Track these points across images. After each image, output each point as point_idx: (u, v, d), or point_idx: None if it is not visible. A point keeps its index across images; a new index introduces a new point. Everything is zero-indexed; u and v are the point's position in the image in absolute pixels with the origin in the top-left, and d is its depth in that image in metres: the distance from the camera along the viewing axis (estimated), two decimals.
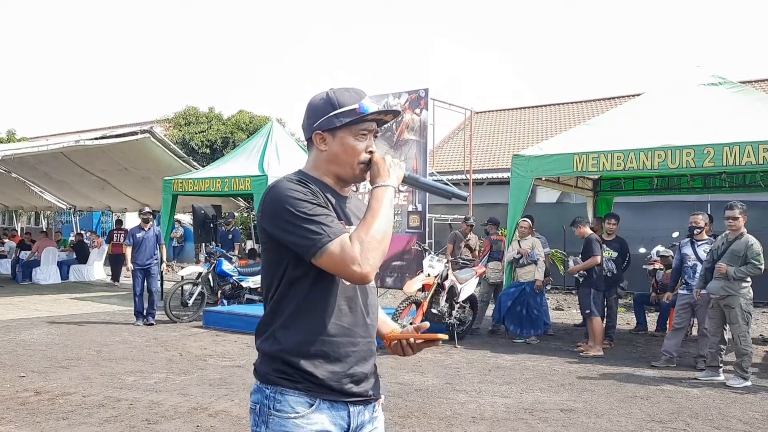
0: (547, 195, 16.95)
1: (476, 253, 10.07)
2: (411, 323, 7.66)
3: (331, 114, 1.80)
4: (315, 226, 1.65)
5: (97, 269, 16.96)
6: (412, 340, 1.86)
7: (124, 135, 12.53)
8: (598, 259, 7.94)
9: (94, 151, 13.72)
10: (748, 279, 6.23)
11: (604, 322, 8.44)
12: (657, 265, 10.11)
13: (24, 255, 16.18)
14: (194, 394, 5.51)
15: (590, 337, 7.93)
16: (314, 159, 1.85)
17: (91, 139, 12.48)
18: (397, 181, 1.83)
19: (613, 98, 22.35)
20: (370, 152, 1.84)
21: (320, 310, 1.73)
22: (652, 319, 10.01)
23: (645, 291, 10.15)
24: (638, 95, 16.10)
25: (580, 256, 8.19)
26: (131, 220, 27.15)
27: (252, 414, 1.76)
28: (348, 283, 1.75)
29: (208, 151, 22.91)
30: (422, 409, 5.23)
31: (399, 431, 4.64)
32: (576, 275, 8.13)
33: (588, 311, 7.88)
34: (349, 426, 1.76)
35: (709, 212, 10.03)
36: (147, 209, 10.35)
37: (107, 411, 5.00)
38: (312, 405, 1.70)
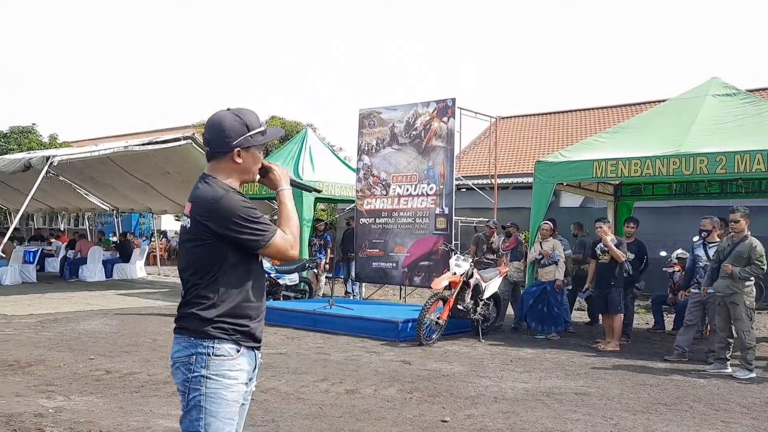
0: (570, 199, 17.38)
1: (499, 254, 10.63)
2: (438, 318, 8.28)
3: (247, 134, 2.33)
4: (262, 226, 2.26)
5: (138, 268, 17.84)
6: None
7: (168, 141, 13.30)
8: (623, 254, 8.42)
9: (139, 156, 14.53)
10: (752, 278, 6.71)
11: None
12: (676, 268, 10.58)
13: (71, 254, 17.15)
14: None
15: (608, 333, 8.43)
16: (228, 170, 2.35)
17: (139, 145, 13.28)
18: (287, 183, 2.46)
19: (634, 105, 22.68)
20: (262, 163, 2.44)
21: (245, 285, 2.31)
22: (669, 319, 10.45)
23: (660, 292, 10.61)
24: (658, 102, 16.46)
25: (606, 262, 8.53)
26: (166, 222, 28.10)
27: (184, 366, 2.25)
28: (257, 266, 2.36)
29: None
30: (449, 390, 5.82)
31: (429, 408, 5.24)
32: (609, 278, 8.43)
33: (619, 308, 8.37)
34: (255, 366, 2.38)
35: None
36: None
37: (172, 387, 5.67)
38: (239, 350, 2.28)
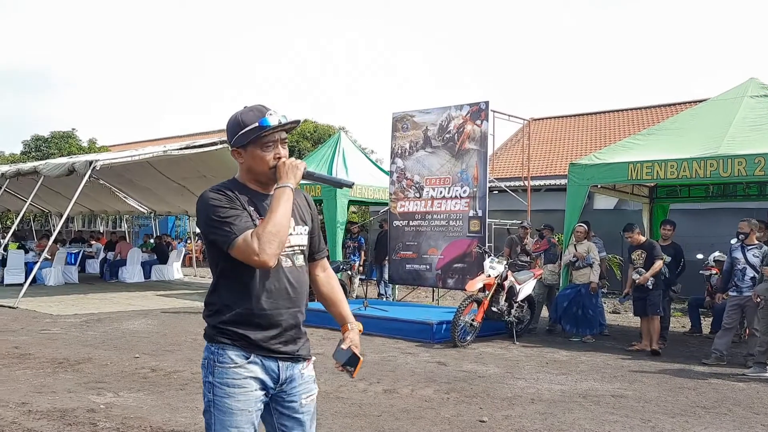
0: (605, 201, 17.23)
1: (532, 256, 10.65)
2: (473, 320, 8.32)
3: (239, 133, 2.19)
4: (226, 226, 2.10)
5: (175, 269, 18.23)
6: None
7: (206, 145, 13.58)
8: (661, 263, 8.37)
9: (177, 160, 14.85)
10: None
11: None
12: (713, 271, 10.46)
13: (111, 255, 17.62)
14: None
15: (645, 335, 8.38)
16: (239, 169, 2.29)
17: (177, 149, 13.58)
18: (295, 180, 2.19)
19: (667, 106, 22.38)
20: (278, 158, 2.22)
21: (252, 291, 2.16)
22: (706, 322, 10.33)
23: (697, 295, 10.51)
24: (692, 103, 16.23)
25: (642, 268, 8.46)
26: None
27: (203, 368, 2.23)
28: (277, 270, 2.19)
29: None
30: (486, 391, 5.89)
31: (466, 408, 5.32)
32: (647, 283, 8.32)
33: (658, 310, 8.33)
34: (278, 377, 2.22)
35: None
36: None
37: None
38: (248, 358, 2.17)
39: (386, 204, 12.59)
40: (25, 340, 7.99)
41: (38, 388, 5.63)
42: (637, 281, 8.33)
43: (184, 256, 21.16)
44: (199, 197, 2.21)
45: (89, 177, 12.54)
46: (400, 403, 5.41)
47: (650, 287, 8.27)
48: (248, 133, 2.19)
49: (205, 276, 19.36)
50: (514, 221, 11.84)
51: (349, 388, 5.87)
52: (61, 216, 25.37)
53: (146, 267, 17.41)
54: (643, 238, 8.75)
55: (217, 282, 2.22)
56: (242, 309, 2.17)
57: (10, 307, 11.00)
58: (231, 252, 2.10)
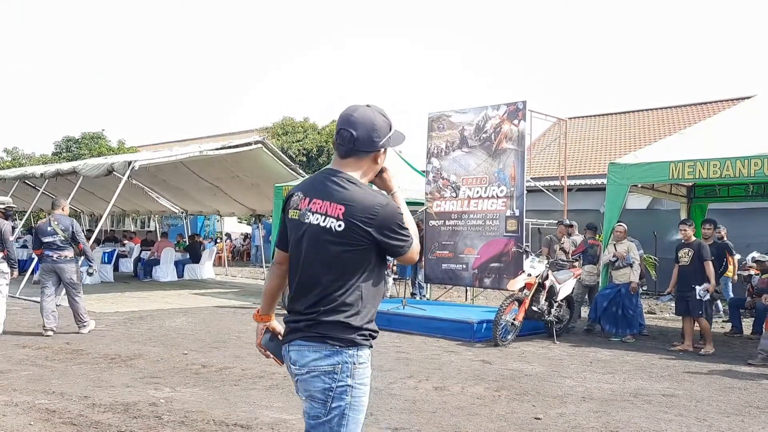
0: (637, 201, 17.10)
1: (569, 255, 10.62)
2: (514, 319, 8.32)
3: (389, 134, 2.30)
4: (408, 232, 2.28)
5: (207, 268, 18.43)
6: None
7: (240, 145, 13.74)
8: (711, 266, 8.29)
9: (211, 160, 15.04)
10: None
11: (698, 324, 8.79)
12: (752, 271, 10.34)
13: (145, 254, 17.87)
14: None
15: (687, 335, 8.32)
16: (366, 169, 2.32)
17: (213, 150, 13.76)
18: (396, 185, 2.41)
19: (701, 104, 22.13)
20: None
21: (380, 290, 2.34)
22: (747, 323, 10.22)
23: (738, 296, 10.39)
24: (730, 101, 16.03)
25: (687, 266, 8.31)
26: (230, 224, 28.86)
27: (326, 375, 2.21)
28: (385, 269, 2.40)
29: (304, 159, 24.21)
30: (535, 389, 5.91)
31: (519, 405, 5.34)
32: (701, 295, 8.20)
33: (700, 312, 8.26)
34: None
35: None
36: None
37: (267, 381, 5.95)
38: (370, 355, 2.32)
39: (421, 204, 12.62)
40: (75, 337, 8.16)
41: (96, 382, 5.77)
42: (703, 293, 8.12)
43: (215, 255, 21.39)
44: (385, 205, 2.24)
45: (127, 177, 12.75)
46: (452, 400, 5.45)
47: (706, 298, 8.16)
48: (398, 136, 2.34)
49: (236, 275, 19.56)
50: (550, 221, 11.81)
51: (399, 385, 5.93)
52: (93, 216, 25.89)
53: (179, 266, 17.62)
54: (693, 237, 8.62)
55: (359, 284, 2.25)
56: (376, 307, 2.31)
57: None
58: (403, 255, 2.29)
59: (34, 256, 15.05)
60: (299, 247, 2.31)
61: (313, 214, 2.26)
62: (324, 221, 2.24)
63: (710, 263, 8.26)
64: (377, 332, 2.31)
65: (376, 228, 2.21)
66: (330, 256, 2.23)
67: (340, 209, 2.22)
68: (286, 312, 2.39)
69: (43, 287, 8.42)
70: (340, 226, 2.21)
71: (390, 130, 2.31)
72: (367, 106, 2.32)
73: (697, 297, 8.14)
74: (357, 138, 2.26)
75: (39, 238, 8.46)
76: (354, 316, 2.23)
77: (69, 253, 8.42)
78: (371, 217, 2.20)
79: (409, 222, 2.30)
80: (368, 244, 2.22)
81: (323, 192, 2.27)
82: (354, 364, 2.23)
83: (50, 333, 8.20)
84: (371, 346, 2.29)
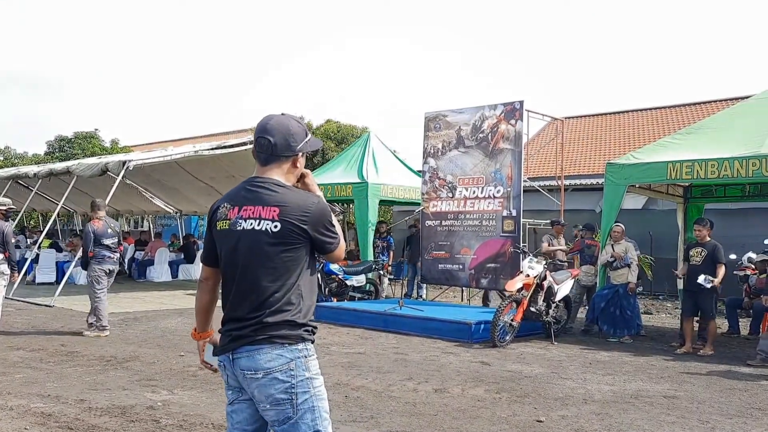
0: (633, 201, 17.11)
1: (566, 255, 10.64)
2: (512, 320, 8.28)
3: (305, 139, 2.42)
4: (336, 229, 2.40)
5: (201, 269, 18.31)
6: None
7: (236, 145, 13.64)
8: (724, 268, 8.21)
9: (206, 160, 14.93)
10: None
11: (697, 325, 8.78)
12: (749, 271, 10.33)
13: (139, 255, 17.75)
14: (332, 374, 6.33)
15: (687, 337, 8.29)
16: (287, 174, 2.42)
17: (208, 149, 13.66)
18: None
19: (699, 104, 22.18)
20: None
21: (315, 285, 2.44)
22: (744, 323, 10.22)
23: (735, 296, 10.39)
24: (726, 101, 16.05)
25: (699, 266, 8.20)
26: None
27: (283, 374, 2.26)
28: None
29: None
30: (536, 391, 5.87)
31: (520, 408, 5.30)
32: (702, 281, 8.08)
33: (711, 314, 8.23)
34: None
35: None
36: None
37: None
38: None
39: (416, 204, 12.59)
40: (70, 339, 8.08)
41: (92, 385, 5.69)
42: (709, 286, 8.03)
43: None
44: (317, 203, 2.37)
45: (122, 177, 12.64)
46: (453, 402, 5.41)
47: (707, 286, 8.06)
48: (314, 142, 2.49)
49: None
50: (547, 221, 11.79)
51: (398, 387, 5.88)
52: (86, 216, 25.69)
53: (173, 266, 17.52)
54: (708, 237, 8.51)
55: (298, 281, 2.33)
56: (314, 302, 2.41)
57: (47, 305, 11.12)
58: (332, 252, 2.41)
59: (27, 256, 15.08)
60: (234, 256, 2.35)
61: (245, 221, 2.32)
62: (259, 224, 2.30)
63: (723, 266, 8.18)
64: (317, 327, 2.43)
65: (311, 225, 2.32)
66: (268, 258, 2.30)
67: (275, 211, 2.30)
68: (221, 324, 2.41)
69: (101, 289, 8.42)
70: (276, 227, 2.29)
71: (306, 135, 2.43)
72: (282, 114, 2.43)
73: (698, 281, 8.07)
74: (275, 144, 2.36)
75: (100, 241, 8.40)
76: (297, 313, 2.32)
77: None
78: (306, 215, 2.32)
79: (335, 223, 2.44)
80: (303, 243, 2.33)
81: (253, 198, 2.34)
82: (306, 357, 2.32)
83: (107, 332, 8.32)
84: (314, 341, 2.39)
